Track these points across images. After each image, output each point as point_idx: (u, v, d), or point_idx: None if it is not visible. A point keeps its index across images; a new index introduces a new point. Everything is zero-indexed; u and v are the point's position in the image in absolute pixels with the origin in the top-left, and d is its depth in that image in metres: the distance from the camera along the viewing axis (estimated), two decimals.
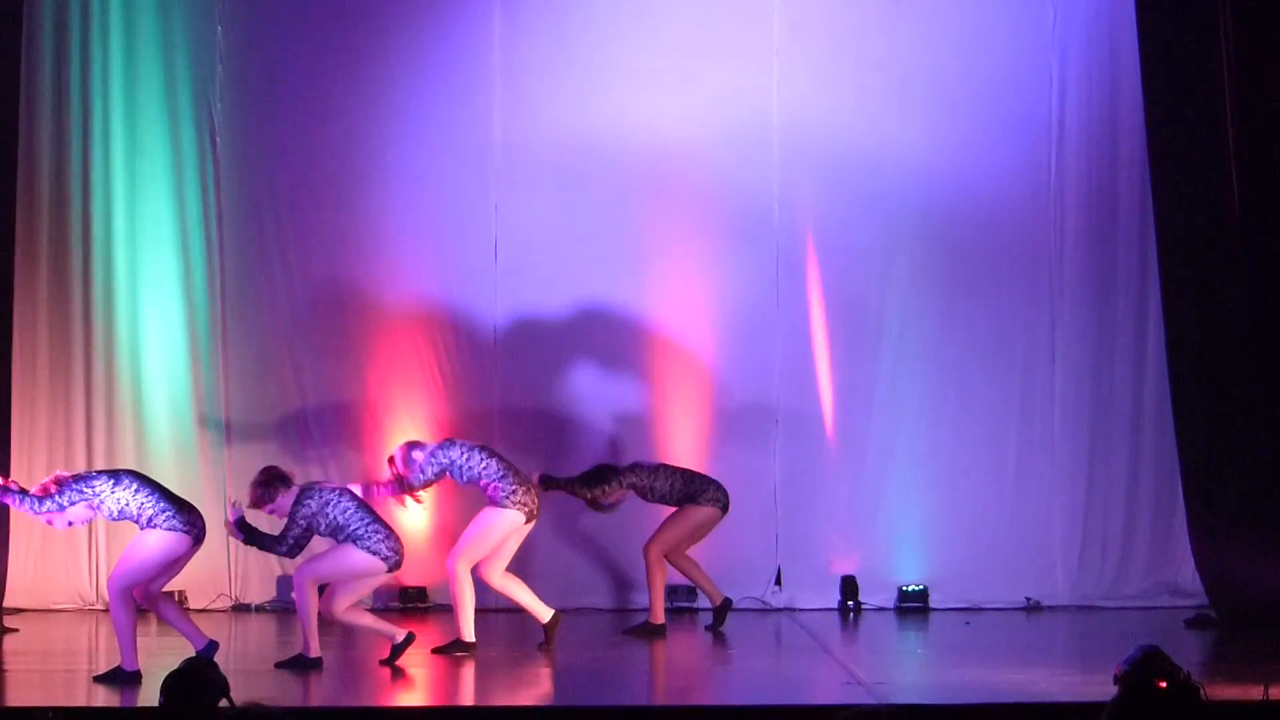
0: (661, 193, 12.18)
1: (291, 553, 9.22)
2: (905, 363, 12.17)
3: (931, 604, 12.02)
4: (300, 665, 9.17)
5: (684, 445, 12.06)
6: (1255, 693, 7.54)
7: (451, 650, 9.63)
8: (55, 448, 12.06)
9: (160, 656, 9.60)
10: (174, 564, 8.95)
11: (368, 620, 9.54)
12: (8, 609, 11.46)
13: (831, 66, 12.21)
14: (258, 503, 9.23)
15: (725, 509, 10.84)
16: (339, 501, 9.19)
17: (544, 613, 9.90)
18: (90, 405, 12.05)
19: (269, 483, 9.21)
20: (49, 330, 12.09)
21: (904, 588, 12.04)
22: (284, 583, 11.92)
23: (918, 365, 12.18)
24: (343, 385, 12.11)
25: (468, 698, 8.63)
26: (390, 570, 9.28)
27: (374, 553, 9.15)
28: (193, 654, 8.18)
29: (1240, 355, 11.33)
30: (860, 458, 12.02)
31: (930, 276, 12.20)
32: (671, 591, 11.98)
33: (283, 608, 11.83)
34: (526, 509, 9.74)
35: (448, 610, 11.86)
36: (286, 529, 9.14)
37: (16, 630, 10.90)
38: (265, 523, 9.37)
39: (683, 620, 11.68)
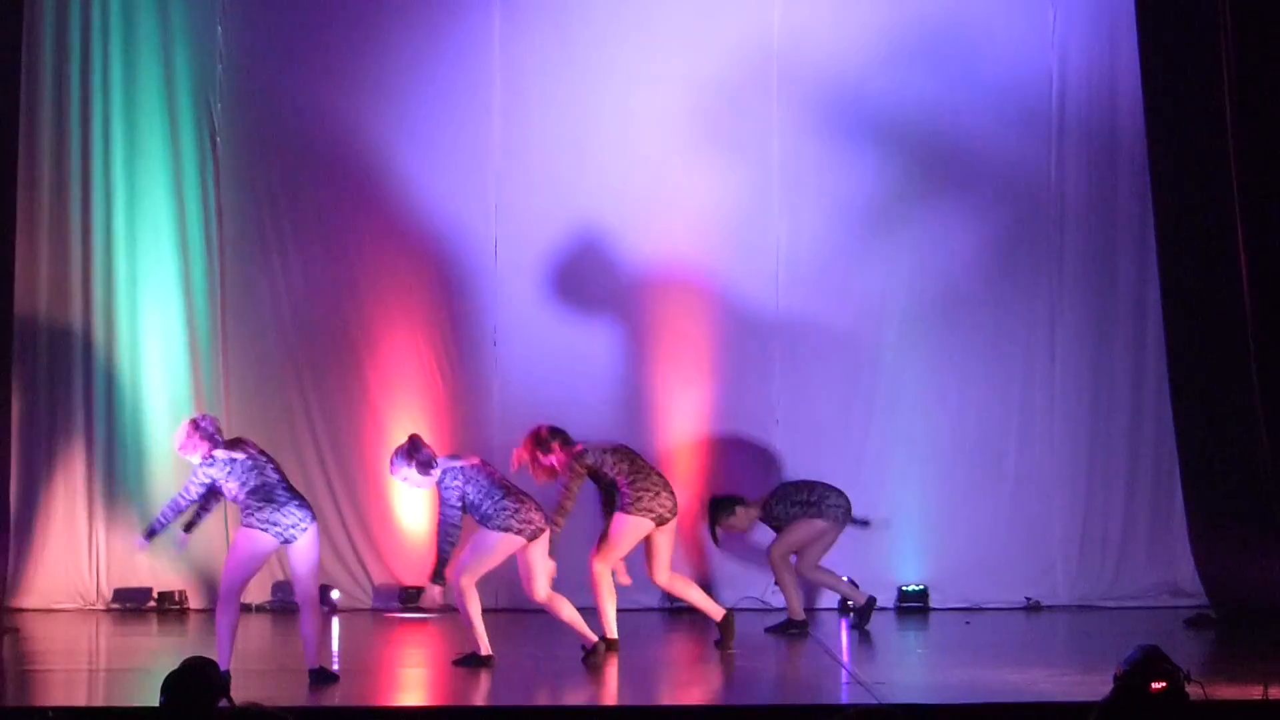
0: (661, 192, 12.17)
1: (452, 534, 9.09)
2: (905, 363, 12.17)
3: (931, 604, 12.01)
4: (473, 663, 9.18)
5: (685, 446, 12.05)
6: (1255, 693, 7.55)
7: (597, 654, 9.40)
8: (55, 448, 12.06)
9: (160, 656, 9.61)
10: (257, 564, 8.73)
11: (567, 613, 9.38)
12: (8, 609, 11.46)
13: (831, 67, 12.20)
14: (399, 470, 9.19)
15: (842, 521, 10.88)
16: (475, 478, 9.15)
17: (717, 611, 9.99)
18: (90, 405, 12.04)
19: (414, 451, 9.15)
20: (49, 330, 12.09)
21: (904, 588, 12.04)
22: (283, 584, 11.92)
23: (918, 365, 12.17)
24: (343, 385, 12.11)
25: (469, 698, 8.63)
26: (529, 539, 9.17)
27: (505, 529, 9.11)
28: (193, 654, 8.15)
29: (1239, 355, 11.32)
30: (861, 458, 12.00)
31: (931, 276, 12.19)
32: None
33: (281, 608, 11.83)
34: (654, 514, 9.71)
35: (447, 610, 11.88)
36: (443, 513, 9.11)
37: (16, 630, 10.90)
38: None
39: (682, 620, 11.68)
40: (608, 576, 9.80)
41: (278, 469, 8.72)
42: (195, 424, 8.69)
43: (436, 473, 9.17)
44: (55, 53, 12.08)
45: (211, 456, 8.58)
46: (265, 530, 8.54)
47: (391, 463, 9.24)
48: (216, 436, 8.66)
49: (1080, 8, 12.24)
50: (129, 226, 12.13)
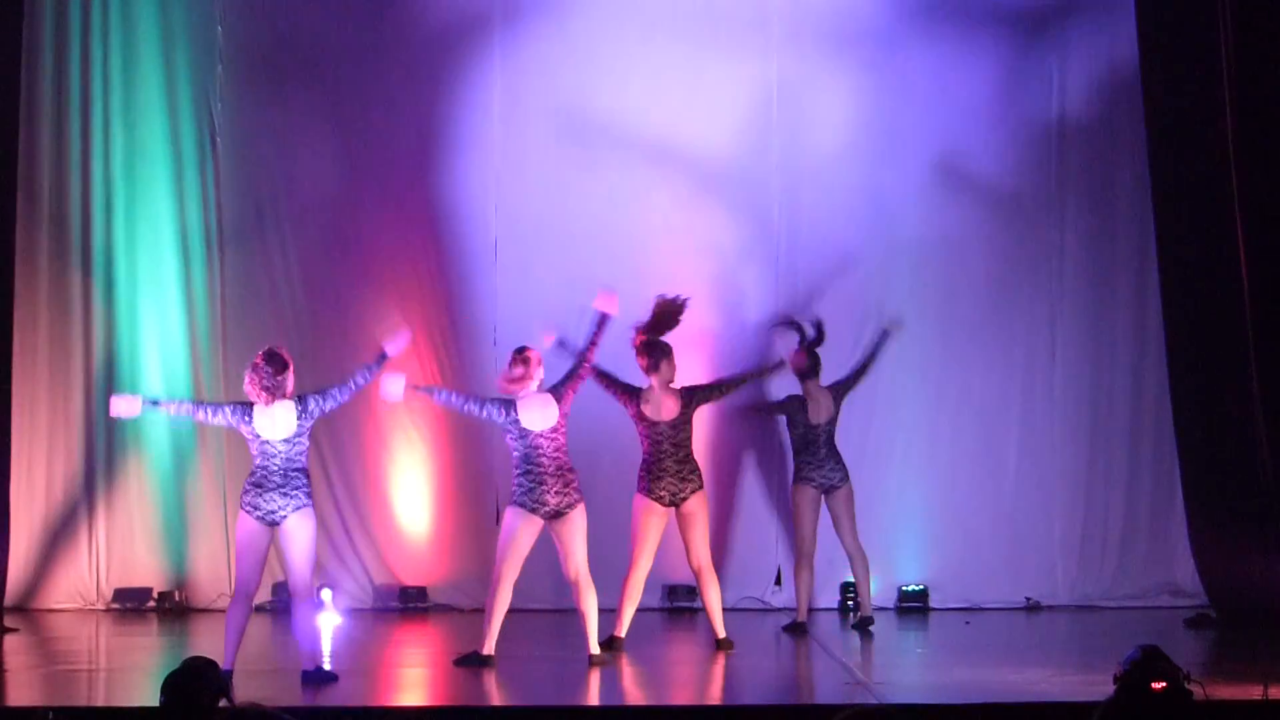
0: (661, 192, 12.18)
1: (455, 400, 9.35)
2: (905, 362, 12.16)
3: (931, 604, 12.02)
4: (474, 663, 9.23)
5: None
6: (1255, 693, 7.54)
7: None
8: (55, 448, 12.06)
9: (160, 656, 9.61)
10: (249, 548, 8.68)
11: (585, 604, 9.35)
12: (8, 609, 11.45)
13: (831, 66, 12.21)
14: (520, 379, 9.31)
15: (821, 489, 10.97)
16: (518, 441, 9.24)
17: (719, 630, 10.05)
18: (90, 405, 12.04)
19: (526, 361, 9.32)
20: (49, 330, 12.09)
21: (904, 588, 12.05)
22: (284, 584, 11.91)
23: (918, 365, 12.18)
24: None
25: (469, 698, 8.62)
26: (543, 518, 9.24)
27: (515, 504, 9.23)
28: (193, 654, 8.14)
29: (1240, 355, 11.33)
30: (860, 458, 11.99)
31: (931, 277, 12.20)
32: (671, 591, 12.00)
33: (283, 608, 11.82)
34: (652, 494, 9.89)
35: (447, 610, 11.90)
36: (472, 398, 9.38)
37: (16, 630, 10.89)
38: None
39: (682, 620, 11.69)
40: (636, 580, 9.92)
41: (292, 457, 8.66)
42: (254, 368, 8.67)
43: (530, 387, 9.26)
44: (55, 53, 12.09)
45: (249, 416, 8.65)
46: (249, 513, 8.65)
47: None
48: (269, 386, 8.64)
49: (1080, 8, 12.24)
50: (129, 226, 12.13)
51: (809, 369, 11.03)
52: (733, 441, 12.02)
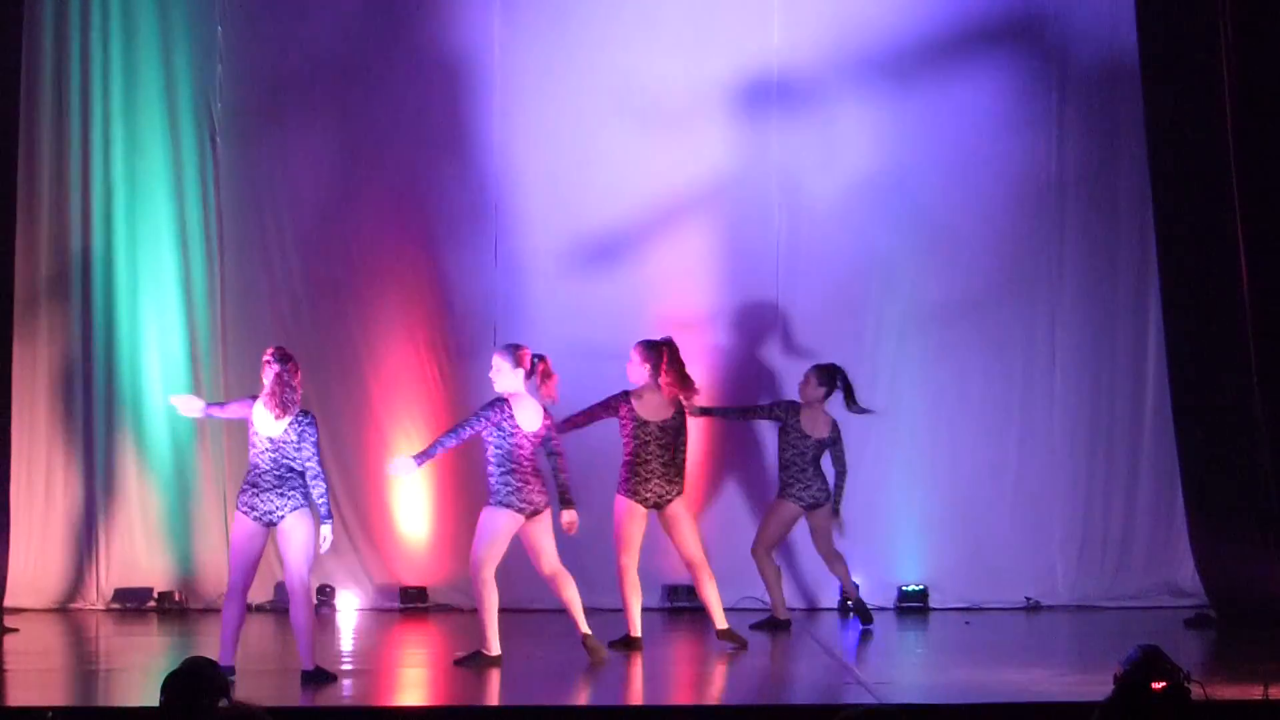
0: (660, 193, 12.17)
1: (447, 441, 9.30)
2: (905, 363, 12.18)
3: (931, 604, 12.02)
4: (477, 663, 9.19)
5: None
6: (1255, 693, 7.55)
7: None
8: (55, 448, 12.06)
9: (160, 656, 9.60)
10: (245, 548, 8.73)
11: (567, 593, 9.36)
12: (8, 609, 11.45)
13: (831, 67, 12.21)
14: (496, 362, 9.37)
15: (809, 507, 10.97)
16: (502, 441, 9.24)
17: (720, 621, 10.04)
18: (90, 405, 12.04)
19: (518, 362, 9.31)
20: (49, 330, 12.09)
21: (904, 588, 12.05)
22: (284, 584, 11.90)
23: (917, 365, 12.18)
24: (343, 386, 12.10)
25: (469, 697, 8.63)
26: (528, 517, 9.24)
27: (505, 505, 9.21)
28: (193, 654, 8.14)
29: (1240, 356, 11.33)
30: (860, 458, 11.99)
31: (930, 276, 12.20)
32: (672, 591, 12.01)
33: (282, 608, 11.82)
34: (637, 496, 9.88)
35: (447, 610, 11.90)
36: (461, 423, 9.35)
37: (16, 630, 10.89)
38: None
39: (682, 620, 11.69)
40: (632, 579, 9.89)
41: (280, 460, 8.66)
42: (280, 378, 8.68)
43: (502, 386, 9.26)
44: (55, 53, 12.08)
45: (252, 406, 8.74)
46: (246, 514, 8.66)
47: (503, 350, 9.43)
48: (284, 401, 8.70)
49: (1080, 8, 12.24)
50: (129, 226, 12.13)
51: (823, 395, 11.06)
52: (730, 441, 12.02)
